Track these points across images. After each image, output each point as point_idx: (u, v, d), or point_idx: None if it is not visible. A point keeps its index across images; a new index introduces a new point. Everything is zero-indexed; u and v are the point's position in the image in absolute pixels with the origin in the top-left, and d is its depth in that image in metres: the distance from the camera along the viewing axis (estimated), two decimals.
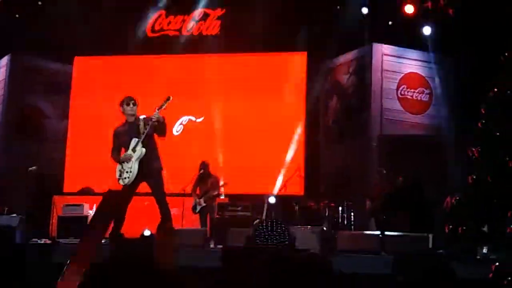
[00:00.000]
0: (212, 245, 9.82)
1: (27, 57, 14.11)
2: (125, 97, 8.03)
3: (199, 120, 13.76)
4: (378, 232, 9.45)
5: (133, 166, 7.59)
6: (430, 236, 8.52)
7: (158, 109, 7.73)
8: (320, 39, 12.51)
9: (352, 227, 10.72)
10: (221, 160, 12.78)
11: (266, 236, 8.07)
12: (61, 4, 13.05)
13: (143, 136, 7.58)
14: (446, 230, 7.69)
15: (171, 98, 7.87)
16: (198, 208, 10.52)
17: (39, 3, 13.10)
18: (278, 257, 1.34)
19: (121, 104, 7.99)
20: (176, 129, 13.51)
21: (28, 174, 11.71)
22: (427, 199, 10.46)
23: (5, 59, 14.09)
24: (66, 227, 10.54)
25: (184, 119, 13.67)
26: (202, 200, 10.45)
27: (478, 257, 7.36)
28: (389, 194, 9.82)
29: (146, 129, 7.57)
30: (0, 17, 13.06)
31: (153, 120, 7.53)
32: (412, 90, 12.67)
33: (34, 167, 11.94)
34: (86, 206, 11.31)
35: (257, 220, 8.98)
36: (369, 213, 10.31)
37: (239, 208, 11.10)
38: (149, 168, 7.65)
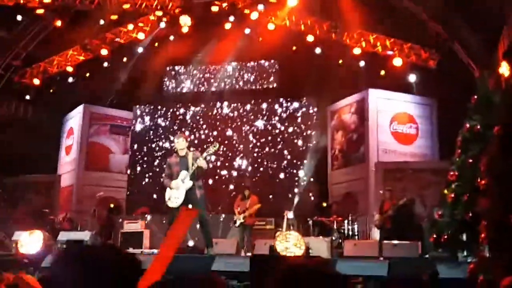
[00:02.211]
0: (243, 253, 9.75)
1: (95, 106, 14.50)
2: (177, 133, 8.08)
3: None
4: (377, 240, 9.36)
5: (180, 194, 7.65)
6: (419, 243, 8.46)
7: (206, 154, 7.67)
8: (326, 87, 12.62)
9: (356, 237, 10.65)
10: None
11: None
12: (122, 63, 13.45)
13: (191, 172, 7.55)
14: (432, 239, 7.67)
15: (217, 146, 7.87)
16: (238, 223, 10.30)
17: (106, 64, 13.40)
18: (295, 264, 1.47)
19: (173, 140, 8.04)
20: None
21: (97, 199, 12.00)
22: (418, 214, 10.38)
23: (80, 108, 14.44)
24: (127, 239, 10.66)
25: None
26: (241, 217, 10.29)
27: (459, 260, 7.32)
28: (396, 209, 9.73)
29: (194, 165, 7.53)
30: (75, 76, 13.53)
31: (199, 163, 7.49)
32: (402, 125, 12.72)
33: (101, 193, 12.23)
34: (141, 223, 11.40)
35: (278, 232, 8.98)
36: (378, 224, 10.00)
37: (264, 223, 11.12)
38: (194, 197, 7.58)
